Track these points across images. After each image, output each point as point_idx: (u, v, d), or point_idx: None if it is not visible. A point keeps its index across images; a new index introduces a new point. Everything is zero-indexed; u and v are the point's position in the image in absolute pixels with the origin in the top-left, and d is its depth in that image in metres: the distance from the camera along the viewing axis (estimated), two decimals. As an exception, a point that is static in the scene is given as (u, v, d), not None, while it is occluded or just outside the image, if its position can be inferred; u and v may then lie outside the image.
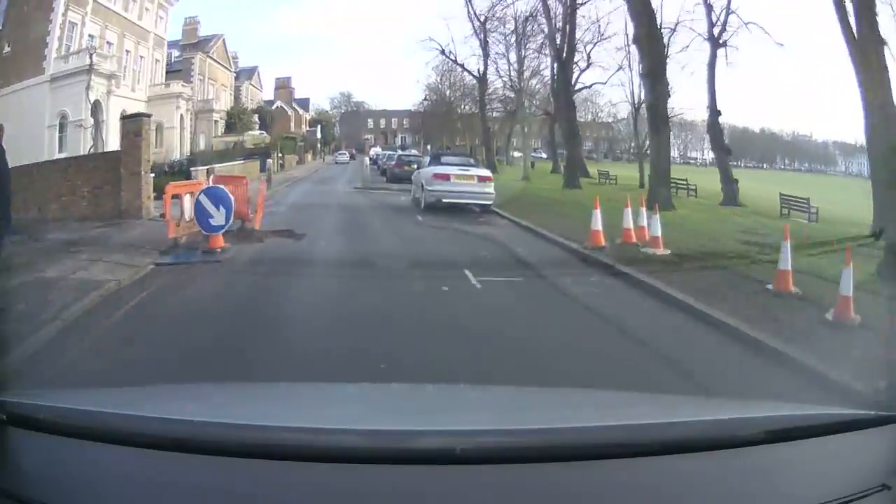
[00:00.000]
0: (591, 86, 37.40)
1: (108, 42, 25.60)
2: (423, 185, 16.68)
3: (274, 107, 49.44)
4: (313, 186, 26.14)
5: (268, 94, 51.79)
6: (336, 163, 47.17)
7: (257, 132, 36.45)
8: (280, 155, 37.99)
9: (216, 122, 36.23)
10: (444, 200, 15.84)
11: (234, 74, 42.65)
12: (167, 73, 34.01)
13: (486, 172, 17.24)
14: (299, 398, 2.00)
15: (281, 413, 1.67)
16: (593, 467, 1.28)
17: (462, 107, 48.20)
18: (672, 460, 1.32)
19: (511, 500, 1.21)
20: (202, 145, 35.29)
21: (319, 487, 1.21)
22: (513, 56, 38.01)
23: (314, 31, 73.31)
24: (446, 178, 16.01)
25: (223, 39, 39.17)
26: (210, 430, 1.34)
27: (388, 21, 76.56)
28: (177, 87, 29.59)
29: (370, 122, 57.29)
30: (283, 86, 53.46)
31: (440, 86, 48.51)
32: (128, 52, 27.03)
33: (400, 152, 33.85)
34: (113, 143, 26.16)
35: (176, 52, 36.36)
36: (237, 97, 43.29)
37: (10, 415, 1.37)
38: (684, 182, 28.32)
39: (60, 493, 1.22)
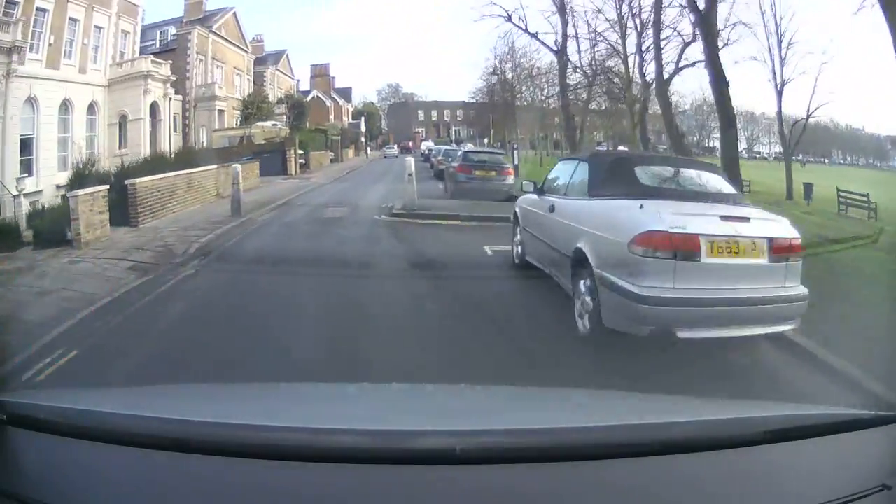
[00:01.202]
0: (694, 64, 28.06)
1: (38, 9, 18.73)
2: (609, 269, 5.00)
3: (309, 97, 42.78)
4: (319, 211, 15.15)
5: (304, 84, 45.60)
6: (385, 157, 44.68)
7: (269, 123, 29.26)
8: (302, 153, 30.68)
9: (220, 111, 29.29)
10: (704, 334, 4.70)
11: (254, 57, 35.85)
12: (159, 53, 27.42)
13: (785, 228, 5.06)
14: (299, 398, 1.97)
15: (281, 413, 1.66)
16: (593, 467, 1.28)
17: (532, 91, 40.08)
18: (672, 460, 1.32)
19: (511, 500, 1.21)
20: (203, 141, 28.52)
21: (319, 487, 1.21)
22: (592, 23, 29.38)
23: (357, 17, 67.09)
24: (692, 249, 4.65)
25: (234, 13, 32.29)
26: (210, 430, 1.34)
27: (441, 6, 69.45)
28: (144, 63, 22.43)
29: (420, 114, 50.07)
30: (321, 73, 46.75)
31: (499, 70, 40.33)
32: (73, 20, 20.16)
33: (463, 149, 22.55)
34: (45, 145, 19.47)
35: (174, 31, 29.82)
36: (260, 84, 36.54)
37: (10, 415, 1.37)
38: (862, 197, 20.08)
39: (60, 493, 1.22)
